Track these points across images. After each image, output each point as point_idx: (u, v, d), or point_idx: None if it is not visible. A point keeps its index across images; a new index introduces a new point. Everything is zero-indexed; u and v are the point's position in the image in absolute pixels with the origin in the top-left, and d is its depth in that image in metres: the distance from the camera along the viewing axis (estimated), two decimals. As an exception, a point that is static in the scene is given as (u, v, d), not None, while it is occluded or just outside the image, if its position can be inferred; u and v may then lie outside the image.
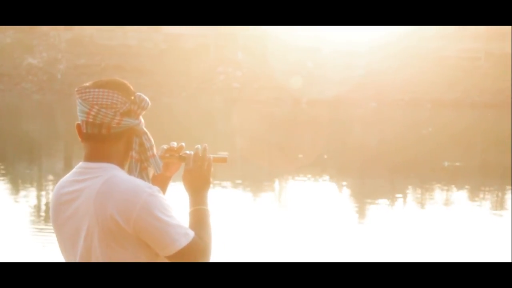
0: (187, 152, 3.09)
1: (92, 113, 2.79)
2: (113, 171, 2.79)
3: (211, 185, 3.08)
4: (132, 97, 2.85)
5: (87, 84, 2.85)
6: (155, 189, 2.77)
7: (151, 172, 3.04)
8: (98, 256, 2.78)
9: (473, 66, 40.79)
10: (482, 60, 41.06)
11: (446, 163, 19.91)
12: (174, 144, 3.11)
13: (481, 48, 41.29)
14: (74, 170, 2.90)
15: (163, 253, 2.75)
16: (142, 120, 2.90)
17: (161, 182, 3.15)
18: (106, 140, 2.82)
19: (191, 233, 2.78)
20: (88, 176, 2.80)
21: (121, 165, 2.85)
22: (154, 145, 2.93)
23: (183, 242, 2.74)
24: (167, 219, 2.72)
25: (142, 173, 2.92)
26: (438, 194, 15.85)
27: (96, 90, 2.81)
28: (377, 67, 39.86)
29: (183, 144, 3.09)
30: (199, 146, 3.05)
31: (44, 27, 42.47)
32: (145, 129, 2.91)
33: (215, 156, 3.11)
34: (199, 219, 2.91)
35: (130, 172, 2.88)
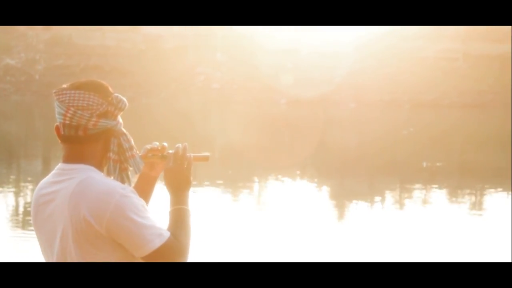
0: (170, 151, 3.07)
1: (69, 115, 2.79)
2: (88, 173, 2.78)
3: (192, 185, 3.04)
4: (110, 98, 2.84)
5: (65, 85, 2.85)
6: (129, 190, 2.76)
7: (133, 172, 3.00)
8: (73, 257, 2.77)
9: (452, 67, 40.96)
10: (461, 60, 41.24)
11: (425, 164, 19.97)
12: (156, 144, 3.09)
13: (459, 48, 41.47)
14: (53, 171, 2.89)
15: (137, 254, 2.74)
16: (121, 121, 2.89)
17: (147, 183, 3.15)
18: (83, 142, 2.81)
19: (166, 234, 2.77)
20: (64, 177, 2.80)
21: (99, 166, 2.85)
22: (134, 146, 2.91)
23: (157, 243, 2.72)
24: (140, 220, 2.71)
25: (122, 174, 2.91)
26: (417, 194, 15.89)
27: (73, 92, 2.80)
28: (356, 68, 39.94)
29: (165, 144, 3.07)
30: (180, 145, 3.03)
31: (22, 27, 42.22)
32: (123, 130, 2.89)
33: (196, 155, 3.10)
34: (177, 219, 2.89)
35: (108, 173, 2.87)
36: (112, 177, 2.88)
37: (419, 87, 39.12)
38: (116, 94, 2.87)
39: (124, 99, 2.91)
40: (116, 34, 42.42)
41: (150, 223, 2.73)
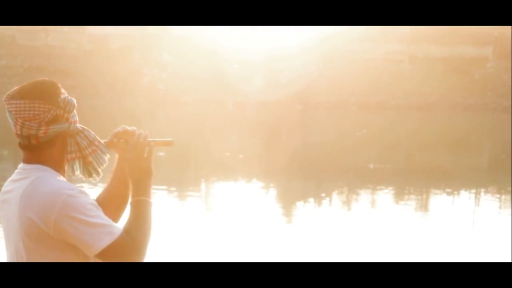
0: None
1: (18, 126, 2.76)
2: (40, 173, 2.76)
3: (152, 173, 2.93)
4: (56, 102, 2.78)
5: (12, 92, 2.79)
6: (77, 190, 2.72)
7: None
8: (23, 257, 2.76)
9: (398, 69, 41.35)
10: (406, 63, 41.65)
11: (371, 165, 20.10)
12: (125, 128, 3.01)
13: (405, 51, 41.89)
14: (16, 169, 2.89)
15: (88, 253, 2.71)
16: (76, 119, 2.84)
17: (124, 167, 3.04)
18: (38, 149, 2.79)
19: (117, 232, 2.72)
20: (21, 176, 2.80)
21: (58, 167, 2.83)
22: (97, 138, 2.89)
23: (106, 241, 2.69)
24: (87, 219, 2.67)
25: (88, 168, 2.90)
26: (363, 196, 15.98)
27: (18, 101, 2.75)
28: (302, 70, 40.07)
29: (132, 128, 2.99)
30: (141, 131, 2.96)
31: (-36, 26, 41.48)
32: (79, 127, 2.85)
33: (159, 140, 3.01)
34: (136, 212, 2.84)
35: (72, 172, 2.88)
36: (76, 175, 2.89)
37: (366, 89, 39.40)
38: (63, 97, 2.81)
39: (72, 99, 2.84)
40: (61, 35, 41.95)
41: (99, 221, 2.70)
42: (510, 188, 16.55)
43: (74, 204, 2.68)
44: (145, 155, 2.94)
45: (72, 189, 2.72)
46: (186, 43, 41.51)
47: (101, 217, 2.72)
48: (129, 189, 2.99)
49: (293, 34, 40.33)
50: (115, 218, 3.05)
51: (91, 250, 2.70)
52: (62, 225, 2.67)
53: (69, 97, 2.84)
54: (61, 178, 2.83)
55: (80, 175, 2.94)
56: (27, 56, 41.20)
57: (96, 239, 2.68)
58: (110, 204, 3.04)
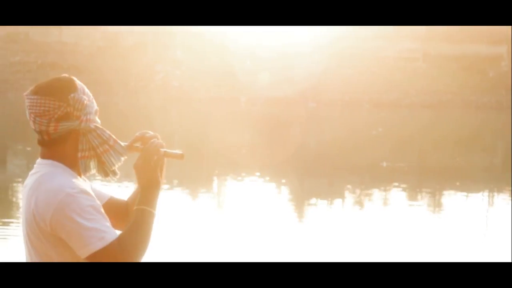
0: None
1: (31, 121, 2.81)
2: (50, 168, 2.78)
3: (161, 184, 2.91)
4: (67, 100, 2.80)
5: (31, 88, 2.84)
6: (78, 189, 2.72)
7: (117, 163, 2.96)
8: (30, 250, 2.81)
9: (411, 67, 41.19)
10: (420, 61, 41.50)
11: (384, 164, 20.03)
12: (150, 133, 3.00)
13: (419, 49, 41.73)
14: None
15: (78, 254, 2.71)
16: (89, 117, 2.85)
17: None
18: (51, 145, 2.81)
19: (109, 238, 2.70)
20: (35, 171, 2.83)
21: (72, 165, 2.84)
22: (111, 138, 2.89)
23: (96, 246, 2.68)
24: (82, 221, 2.67)
25: (103, 168, 2.91)
26: (375, 194, 15.93)
27: (32, 97, 2.79)
28: (316, 67, 39.97)
29: (153, 134, 2.99)
30: (154, 140, 2.95)
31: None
32: (92, 125, 2.85)
33: (170, 152, 2.97)
34: (135, 221, 2.81)
35: (85, 171, 2.87)
36: (89, 173, 2.89)
37: (379, 87, 39.29)
38: (72, 94, 2.81)
39: (84, 98, 2.84)
40: (74, 31, 42.00)
41: (92, 225, 2.68)
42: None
43: (71, 204, 2.68)
44: (152, 164, 2.90)
45: (73, 188, 2.72)
46: (200, 40, 41.50)
47: (97, 221, 2.71)
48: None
49: (306, 31, 40.24)
50: None
51: (81, 253, 2.70)
52: (57, 224, 2.68)
53: (81, 96, 2.84)
54: (72, 175, 2.83)
55: (97, 174, 2.94)
56: (40, 53, 41.28)
57: (86, 243, 2.68)
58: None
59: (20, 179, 15.38)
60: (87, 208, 2.70)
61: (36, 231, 2.74)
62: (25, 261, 2.87)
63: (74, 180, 2.80)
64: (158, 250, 9.05)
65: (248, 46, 41.03)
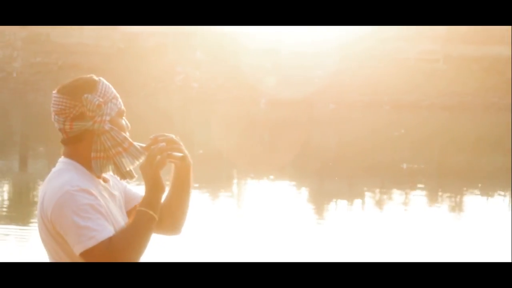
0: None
1: (52, 119, 2.88)
2: (61, 166, 2.85)
3: (162, 187, 2.91)
4: (81, 100, 2.85)
5: (58, 86, 2.91)
6: (78, 188, 2.74)
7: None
8: (46, 250, 2.85)
9: (432, 68, 41.01)
10: (441, 62, 41.32)
11: (404, 165, 19.95)
12: (165, 135, 3.01)
13: (440, 50, 41.54)
14: None
15: (74, 251, 2.74)
16: (105, 118, 2.86)
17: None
18: (69, 143, 2.87)
19: (100, 238, 2.71)
20: (53, 168, 2.89)
21: (87, 163, 2.87)
22: (126, 140, 2.91)
23: (85, 245, 2.70)
24: (76, 219, 2.70)
25: (118, 169, 2.92)
26: (396, 196, 15.87)
27: (54, 95, 2.87)
28: (336, 69, 39.89)
29: (168, 135, 2.99)
30: (162, 140, 2.95)
31: None
32: (107, 127, 2.86)
33: (173, 154, 2.97)
34: (132, 222, 2.82)
35: (100, 171, 2.89)
36: (102, 174, 2.91)
37: (399, 89, 39.15)
38: (86, 95, 2.84)
39: (97, 99, 2.87)
40: (95, 32, 42.13)
41: (86, 223, 2.70)
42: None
43: (68, 201, 2.71)
44: (154, 166, 2.89)
45: (73, 186, 2.75)
46: (220, 41, 41.52)
47: (92, 220, 2.72)
48: (182, 199, 3.05)
49: (326, 32, 40.14)
50: (173, 226, 3.14)
51: (74, 250, 2.73)
52: (56, 220, 2.73)
53: (97, 97, 2.86)
54: (84, 173, 2.86)
55: (114, 175, 2.97)
56: (61, 54, 41.45)
57: (77, 241, 2.71)
58: (167, 212, 3.05)
59: (40, 180, 15.44)
60: (84, 207, 2.72)
61: (43, 226, 2.80)
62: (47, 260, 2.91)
63: (80, 178, 2.82)
64: (177, 250, 9.05)
65: (268, 47, 41.01)
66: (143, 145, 2.98)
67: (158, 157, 2.89)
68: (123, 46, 42.12)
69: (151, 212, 2.83)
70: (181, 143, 3.02)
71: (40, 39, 42.03)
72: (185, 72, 40.95)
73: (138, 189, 3.15)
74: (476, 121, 34.40)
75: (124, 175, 2.93)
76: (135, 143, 2.97)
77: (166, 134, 3.01)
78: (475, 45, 41.01)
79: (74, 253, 2.75)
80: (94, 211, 2.74)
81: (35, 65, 40.82)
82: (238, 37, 40.77)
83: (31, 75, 39.64)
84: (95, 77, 2.95)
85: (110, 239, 2.73)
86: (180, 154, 2.98)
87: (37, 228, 2.84)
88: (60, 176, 2.80)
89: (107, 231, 2.75)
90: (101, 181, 2.95)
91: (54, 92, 2.88)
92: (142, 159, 2.95)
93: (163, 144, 2.94)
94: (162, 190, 2.92)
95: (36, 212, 2.86)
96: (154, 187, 2.88)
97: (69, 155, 2.87)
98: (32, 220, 11.77)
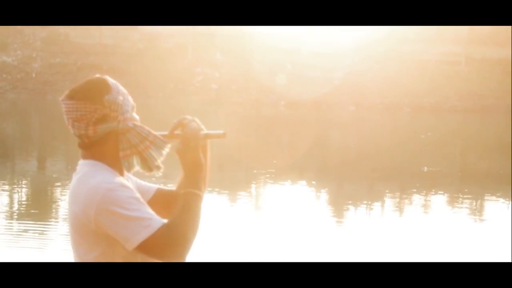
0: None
1: (70, 126, 2.84)
2: (89, 167, 2.83)
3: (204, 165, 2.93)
4: (103, 102, 2.83)
5: (66, 93, 2.86)
6: (117, 184, 2.75)
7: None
8: (75, 252, 2.85)
9: (454, 70, 40.90)
10: (463, 64, 41.17)
11: (425, 168, 19.85)
12: (188, 117, 3.02)
13: (461, 52, 41.40)
14: None
15: (126, 247, 2.72)
16: (126, 116, 2.87)
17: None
18: (92, 146, 2.85)
19: (156, 225, 2.71)
20: (77, 172, 2.87)
21: (113, 162, 2.88)
22: (151, 133, 2.91)
23: (143, 235, 2.69)
24: (126, 212, 2.69)
25: (146, 163, 2.94)
26: (416, 199, 15.79)
27: (68, 102, 2.82)
28: (356, 70, 39.87)
29: (191, 118, 2.99)
30: (193, 123, 2.97)
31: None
32: (130, 124, 2.88)
33: (211, 132, 2.99)
34: (183, 204, 2.82)
35: (128, 169, 2.92)
36: (132, 170, 2.93)
37: (420, 91, 39.06)
38: (107, 96, 2.83)
39: (118, 98, 2.86)
40: (114, 33, 42.32)
41: (137, 214, 2.71)
42: None
43: (112, 198, 2.71)
44: (193, 147, 2.91)
45: (111, 183, 2.75)
46: (239, 43, 41.59)
47: (141, 211, 2.73)
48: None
49: (347, 33, 40.14)
50: None
51: (129, 244, 2.72)
52: (101, 219, 2.71)
53: (116, 96, 2.86)
54: (112, 172, 2.86)
55: (141, 171, 2.97)
56: (80, 54, 41.65)
57: (133, 233, 2.70)
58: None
59: (59, 181, 15.46)
60: (129, 200, 2.73)
61: (80, 229, 2.78)
62: (72, 260, 2.92)
63: (113, 176, 2.83)
64: (197, 252, 8.97)
65: (288, 48, 41.04)
66: (165, 132, 2.98)
67: (195, 139, 2.92)
68: (143, 47, 42.24)
69: (198, 192, 2.86)
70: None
71: (59, 40, 42.24)
72: (204, 73, 41.03)
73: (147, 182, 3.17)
74: (498, 123, 34.22)
75: (152, 168, 2.95)
76: (157, 133, 2.97)
77: (188, 117, 3.00)
78: (497, 47, 40.86)
79: (112, 254, 2.77)
80: (139, 203, 2.76)
81: (54, 66, 41.01)
82: (257, 38, 40.83)
83: (50, 75, 39.83)
84: (102, 76, 2.92)
85: (166, 225, 2.74)
86: (220, 131, 3.02)
87: (55, 224, 2.82)
88: (92, 177, 2.78)
89: (158, 218, 2.77)
90: (129, 178, 3.00)
91: (65, 99, 2.83)
92: (167, 149, 2.96)
93: (195, 125, 2.95)
94: (204, 169, 2.95)
95: (69, 217, 2.84)
96: (197, 168, 2.91)
97: (93, 157, 2.86)
98: (51, 217, 11.85)
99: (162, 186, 3.22)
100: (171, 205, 3.06)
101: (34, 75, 40.73)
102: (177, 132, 2.97)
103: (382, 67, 40.41)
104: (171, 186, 3.26)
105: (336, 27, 38.65)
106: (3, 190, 14.76)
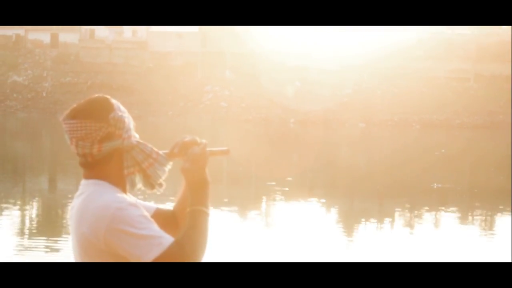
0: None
1: (73, 145, 2.81)
2: (95, 187, 2.81)
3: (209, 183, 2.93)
4: (108, 120, 2.81)
5: (66, 112, 2.82)
6: (126, 203, 2.72)
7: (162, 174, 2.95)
8: None
9: (463, 87, 40.88)
10: (472, 81, 41.14)
11: (435, 185, 19.79)
12: (185, 138, 3.00)
13: (470, 69, 41.39)
14: None
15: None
16: (130, 133, 2.86)
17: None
18: (96, 165, 2.83)
19: (166, 243, 2.69)
20: (79, 192, 2.84)
21: (117, 181, 2.86)
22: (154, 151, 2.91)
23: (154, 253, 2.68)
24: (136, 231, 2.68)
25: (149, 181, 2.93)
26: (427, 215, 15.73)
27: (71, 121, 2.80)
28: (365, 87, 39.89)
29: (193, 137, 2.97)
30: (199, 142, 2.96)
31: (29, 44, 42.22)
32: (134, 142, 2.87)
33: (214, 149, 3.00)
34: (189, 222, 2.82)
35: (131, 186, 2.90)
36: (136, 188, 2.91)
37: (429, 107, 39.02)
38: (112, 114, 2.82)
39: (123, 115, 2.85)
40: (124, 52, 42.48)
41: (147, 233, 2.68)
42: None
43: (122, 217, 2.68)
44: (201, 165, 2.91)
45: (121, 202, 2.72)
46: (248, 61, 41.66)
47: (151, 229, 2.71)
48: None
49: (356, 50, 40.15)
50: None
51: (142, 261, 2.70)
52: (112, 239, 2.69)
53: (120, 114, 2.85)
54: (117, 191, 2.84)
55: (143, 188, 2.94)
56: (90, 73, 41.79)
57: (144, 251, 2.68)
58: (183, 215, 3.03)
59: (69, 199, 15.48)
60: (138, 218, 2.70)
61: (89, 250, 2.76)
62: None
63: (120, 194, 2.80)
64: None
65: (297, 66, 41.08)
66: (166, 151, 2.96)
67: (204, 157, 2.91)
68: (152, 65, 42.34)
69: (205, 210, 2.87)
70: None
71: (70, 59, 42.39)
72: (214, 91, 41.08)
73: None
74: (507, 139, 34.12)
75: (154, 185, 2.94)
76: (159, 151, 2.96)
77: (189, 136, 2.99)
78: (506, 64, 40.81)
79: None
80: (148, 221, 2.73)
81: (65, 85, 41.16)
82: (267, 56, 40.88)
83: (60, 94, 39.97)
84: (103, 95, 2.90)
85: (176, 242, 2.72)
86: (224, 148, 3.03)
87: (61, 240, 2.80)
88: (100, 197, 2.76)
89: (168, 236, 2.75)
90: (130, 196, 2.95)
91: (66, 119, 2.80)
92: (168, 166, 2.95)
93: (202, 144, 2.94)
94: (209, 186, 2.94)
95: (72, 237, 2.82)
96: (204, 185, 2.90)
97: (96, 176, 2.83)
98: (60, 234, 11.87)
99: (160, 206, 3.20)
100: (169, 225, 3.05)
101: (44, 94, 40.89)
102: (176, 150, 2.97)
103: (391, 84, 40.42)
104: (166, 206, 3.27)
105: (344, 45, 38.57)
106: (13, 209, 14.82)
